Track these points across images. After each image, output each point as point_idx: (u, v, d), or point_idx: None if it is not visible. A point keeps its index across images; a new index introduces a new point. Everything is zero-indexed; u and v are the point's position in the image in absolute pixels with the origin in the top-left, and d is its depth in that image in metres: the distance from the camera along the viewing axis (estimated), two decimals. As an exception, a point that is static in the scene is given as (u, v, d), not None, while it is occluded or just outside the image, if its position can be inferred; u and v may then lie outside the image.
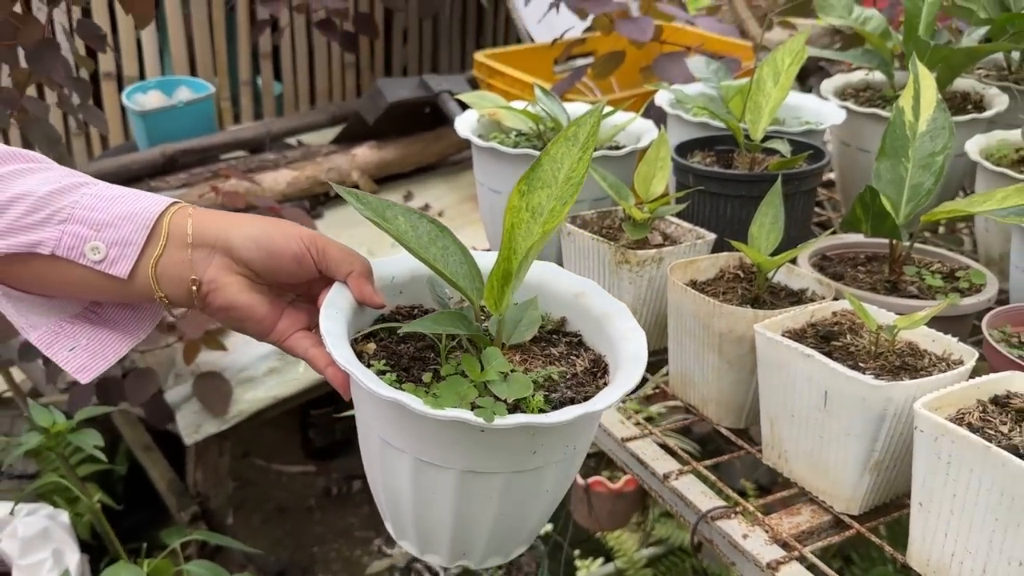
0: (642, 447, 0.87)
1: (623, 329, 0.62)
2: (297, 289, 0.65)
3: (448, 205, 2.22)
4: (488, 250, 0.86)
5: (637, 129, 1.17)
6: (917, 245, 0.96)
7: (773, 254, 0.87)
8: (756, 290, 0.89)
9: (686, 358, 0.90)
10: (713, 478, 0.83)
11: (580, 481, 1.62)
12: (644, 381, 1.01)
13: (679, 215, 1.04)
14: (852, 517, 0.75)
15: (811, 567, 0.70)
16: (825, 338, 0.79)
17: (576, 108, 1.23)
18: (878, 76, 1.40)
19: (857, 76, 1.43)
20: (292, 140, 2.49)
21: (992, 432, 0.65)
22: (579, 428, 0.58)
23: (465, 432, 0.53)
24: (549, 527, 1.82)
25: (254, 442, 2.38)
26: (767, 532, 0.74)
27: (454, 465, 0.55)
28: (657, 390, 1.00)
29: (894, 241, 0.92)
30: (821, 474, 0.76)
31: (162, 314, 0.65)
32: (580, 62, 2.27)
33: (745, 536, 0.74)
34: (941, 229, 1.44)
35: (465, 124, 1.15)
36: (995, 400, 0.69)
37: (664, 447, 0.88)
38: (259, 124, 2.46)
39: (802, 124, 1.23)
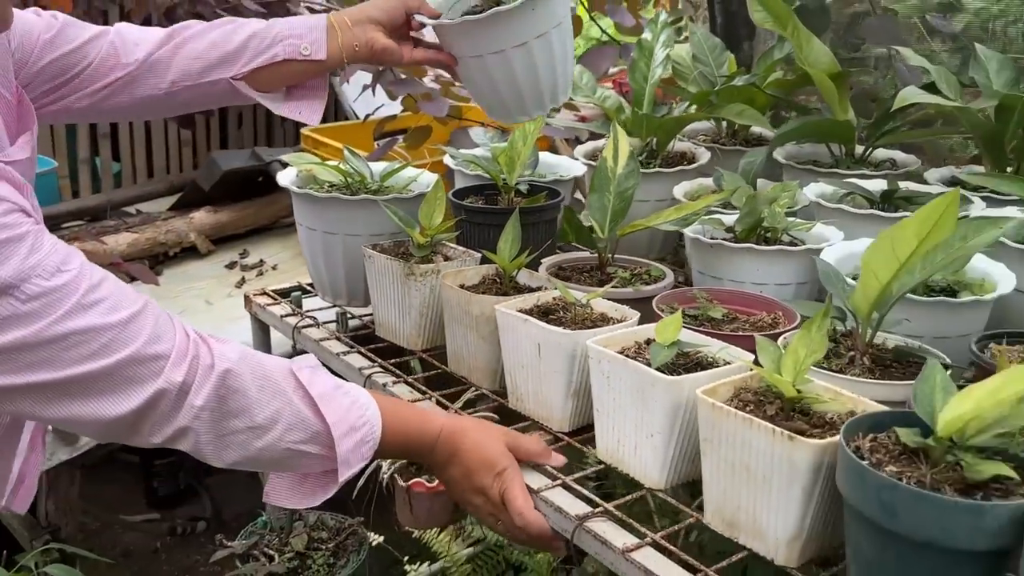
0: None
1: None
2: (403, 31, 1.12)
3: (282, 260, 2.47)
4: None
5: (427, 180, 1.49)
6: (620, 255, 1.32)
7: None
8: (504, 287, 1.21)
9: (456, 340, 1.20)
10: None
11: (401, 483, 1.87)
12: (433, 367, 1.29)
13: (457, 241, 1.36)
14: (565, 433, 1.06)
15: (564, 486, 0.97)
16: (544, 312, 1.11)
17: (378, 166, 1.54)
18: (617, 140, 1.80)
19: (603, 141, 1.82)
20: (131, 208, 2.66)
21: (638, 358, 0.98)
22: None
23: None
24: (381, 539, 2.04)
25: (97, 495, 2.46)
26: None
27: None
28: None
29: (601, 251, 1.27)
30: (542, 405, 1.08)
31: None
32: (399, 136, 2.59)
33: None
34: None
35: (286, 177, 1.43)
36: (648, 340, 1.02)
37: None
38: (100, 195, 2.62)
39: (554, 175, 1.60)
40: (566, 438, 1.06)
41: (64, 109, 1.04)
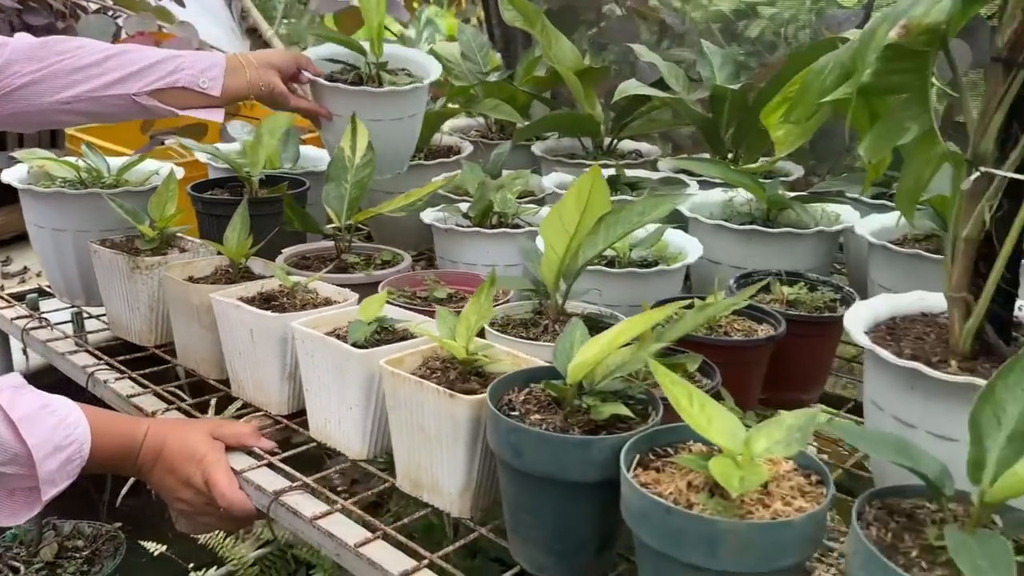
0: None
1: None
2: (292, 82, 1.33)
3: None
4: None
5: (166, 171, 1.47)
6: (359, 242, 1.35)
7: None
8: (234, 276, 1.21)
9: (182, 332, 1.20)
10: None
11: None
12: (172, 366, 1.28)
13: (199, 235, 1.35)
14: (284, 417, 1.08)
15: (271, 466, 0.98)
16: (267, 299, 1.13)
17: (118, 161, 1.50)
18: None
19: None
20: None
21: (342, 337, 1.01)
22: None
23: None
24: (163, 548, 1.98)
25: None
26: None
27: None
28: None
29: (339, 239, 1.30)
30: (261, 390, 1.09)
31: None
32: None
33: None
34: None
35: (12, 174, 1.37)
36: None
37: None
38: None
39: (300, 168, 1.61)
40: (285, 421, 1.08)
41: None
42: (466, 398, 0.82)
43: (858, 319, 0.88)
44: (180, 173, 1.42)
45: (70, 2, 2.35)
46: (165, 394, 1.15)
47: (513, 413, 0.79)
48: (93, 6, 2.51)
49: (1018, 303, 0.92)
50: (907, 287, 0.97)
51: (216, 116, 1.26)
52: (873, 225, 1.25)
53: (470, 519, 0.87)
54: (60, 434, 0.88)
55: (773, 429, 0.68)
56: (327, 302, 1.13)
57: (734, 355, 0.99)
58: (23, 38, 1.17)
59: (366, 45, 1.46)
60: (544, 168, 1.76)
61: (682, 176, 1.52)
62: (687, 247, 1.25)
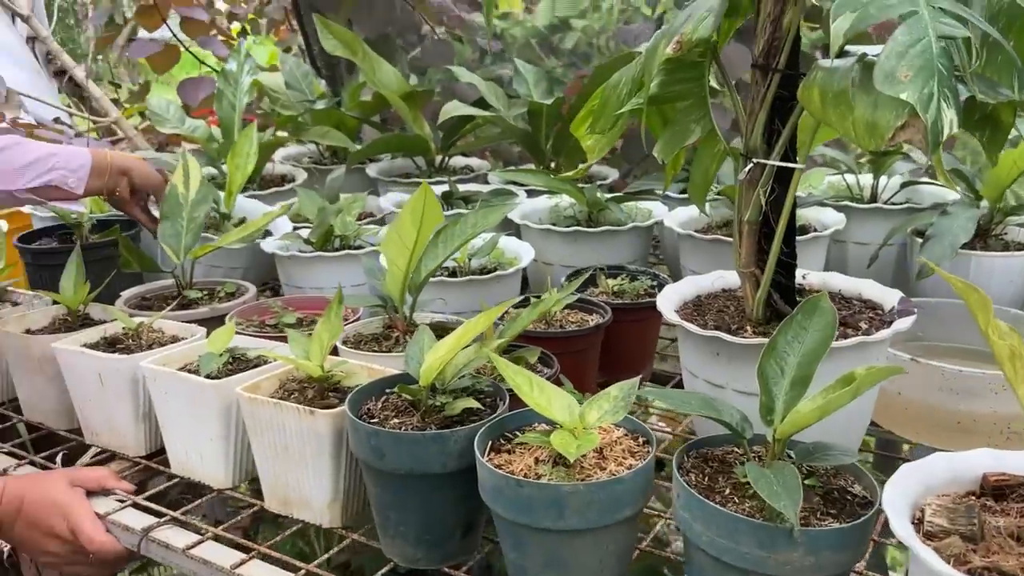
0: None
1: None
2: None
3: None
4: None
5: (-9, 228, 1.42)
6: (199, 279, 1.36)
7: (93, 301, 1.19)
8: (73, 323, 1.19)
9: (25, 387, 1.17)
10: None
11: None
12: (16, 422, 1.24)
13: (31, 286, 1.31)
14: (143, 457, 1.08)
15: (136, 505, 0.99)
16: (112, 343, 1.12)
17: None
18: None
19: (209, 170, 1.83)
20: None
21: (195, 372, 1.03)
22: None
23: None
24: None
25: None
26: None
27: None
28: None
29: (179, 276, 1.30)
30: (116, 434, 1.09)
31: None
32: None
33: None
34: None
35: None
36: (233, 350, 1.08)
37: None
38: None
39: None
40: (144, 461, 1.08)
41: None
42: (326, 412, 0.86)
43: (668, 300, 1.00)
44: (4, 226, 1.37)
45: None
46: (15, 450, 1.12)
47: (373, 420, 0.85)
48: None
49: (800, 272, 1.07)
50: (713, 269, 1.10)
51: (75, 206, 1.40)
52: (681, 217, 1.40)
53: (341, 528, 0.92)
54: None
55: (602, 401, 0.78)
56: (174, 339, 1.13)
57: (568, 344, 1.09)
58: None
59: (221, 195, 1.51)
60: (380, 189, 1.82)
61: (511, 187, 1.62)
62: (521, 252, 1.34)
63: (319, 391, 0.94)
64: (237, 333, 1.09)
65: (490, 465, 0.74)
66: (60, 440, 1.15)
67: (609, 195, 1.48)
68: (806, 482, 0.69)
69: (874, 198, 1.48)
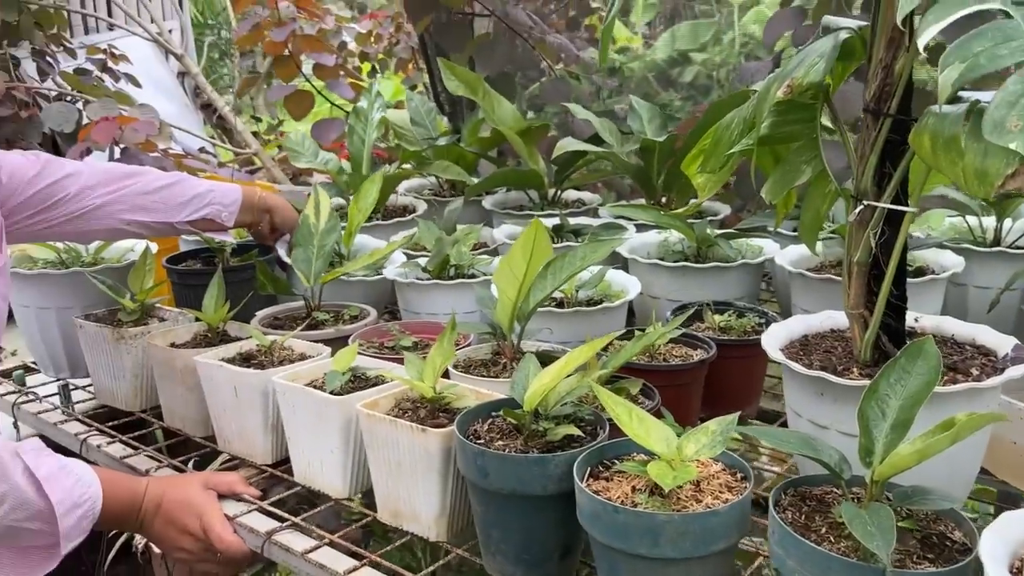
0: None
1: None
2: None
3: (22, 346, 2.40)
4: None
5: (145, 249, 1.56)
6: (327, 302, 1.45)
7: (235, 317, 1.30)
8: (212, 339, 1.31)
9: (167, 395, 1.28)
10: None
11: (157, 550, 1.87)
12: (157, 428, 1.36)
13: (176, 304, 1.44)
14: (269, 466, 1.17)
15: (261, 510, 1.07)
16: (246, 358, 1.22)
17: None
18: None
19: (338, 200, 1.96)
20: None
21: (320, 388, 1.11)
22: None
23: None
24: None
25: None
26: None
27: None
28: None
29: (308, 299, 1.40)
30: (246, 443, 1.18)
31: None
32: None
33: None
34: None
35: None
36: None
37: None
38: None
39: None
40: (270, 469, 1.17)
41: (47, 230, 1.27)
42: (437, 431, 0.92)
43: (774, 339, 1.01)
44: (154, 248, 1.51)
45: (32, 91, 2.44)
46: (155, 453, 1.23)
47: (479, 441, 0.90)
48: (53, 93, 2.60)
49: (912, 316, 1.06)
50: (823, 309, 1.10)
51: (224, 236, 1.47)
52: (792, 255, 1.39)
53: (447, 542, 0.97)
54: (77, 492, 0.96)
55: (700, 435, 0.80)
56: (302, 357, 1.22)
57: (671, 378, 1.11)
58: (93, 164, 1.34)
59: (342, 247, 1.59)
60: (495, 221, 1.89)
61: (621, 221, 1.66)
62: (628, 285, 1.37)
63: (430, 411, 1.00)
64: (359, 354, 1.16)
65: (588, 490, 0.77)
66: (194, 446, 1.26)
67: (719, 231, 1.50)
68: (902, 524, 0.69)
69: (997, 241, 1.43)
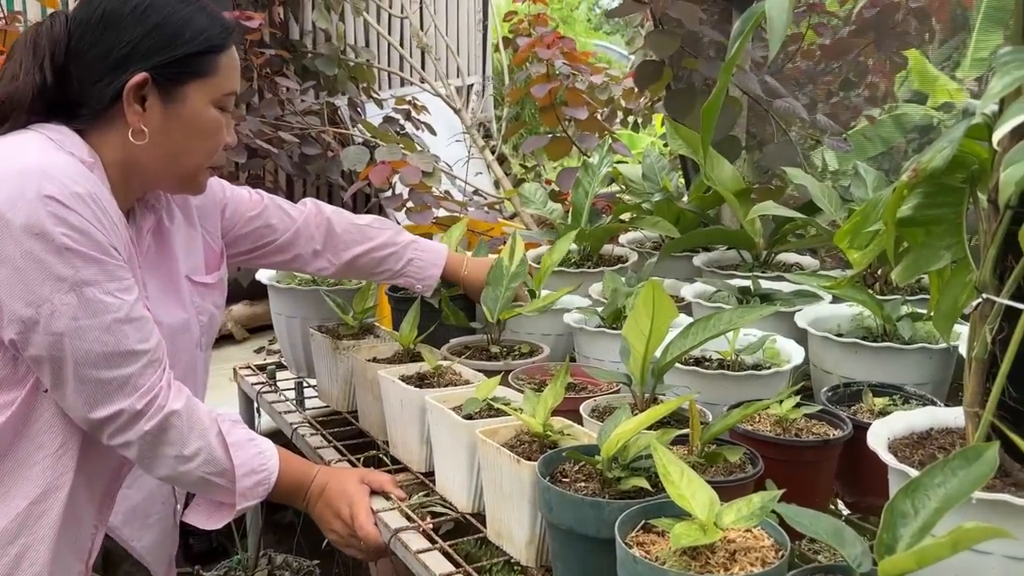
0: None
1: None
2: None
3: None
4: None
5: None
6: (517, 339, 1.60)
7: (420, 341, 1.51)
8: (405, 358, 1.51)
9: (362, 401, 1.51)
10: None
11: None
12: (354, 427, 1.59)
13: (394, 325, 1.69)
14: (423, 473, 1.34)
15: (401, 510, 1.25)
16: (422, 378, 1.41)
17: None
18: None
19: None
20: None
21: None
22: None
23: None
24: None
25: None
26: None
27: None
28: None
29: (490, 332, 1.56)
30: (407, 450, 1.36)
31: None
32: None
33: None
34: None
35: (265, 275, 1.80)
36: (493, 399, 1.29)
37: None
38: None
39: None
40: (422, 477, 1.34)
41: (259, 263, 1.50)
42: (529, 463, 1.02)
43: (888, 429, 0.97)
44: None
45: (338, 135, 2.93)
46: (343, 448, 1.46)
47: (564, 479, 0.98)
48: (358, 138, 3.08)
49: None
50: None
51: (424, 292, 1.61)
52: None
53: (535, 567, 1.06)
54: (256, 461, 1.20)
55: (743, 505, 0.82)
56: (467, 383, 1.38)
57: (791, 453, 1.10)
58: (318, 215, 1.52)
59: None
60: (705, 279, 1.92)
61: (817, 290, 1.62)
62: (793, 354, 1.36)
63: (541, 446, 1.10)
64: (515, 388, 1.29)
65: (622, 541, 0.83)
66: (375, 446, 1.47)
67: (910, 311, 1.41)
68: (902, 630, 0.66)
69: None
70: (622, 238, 2.25)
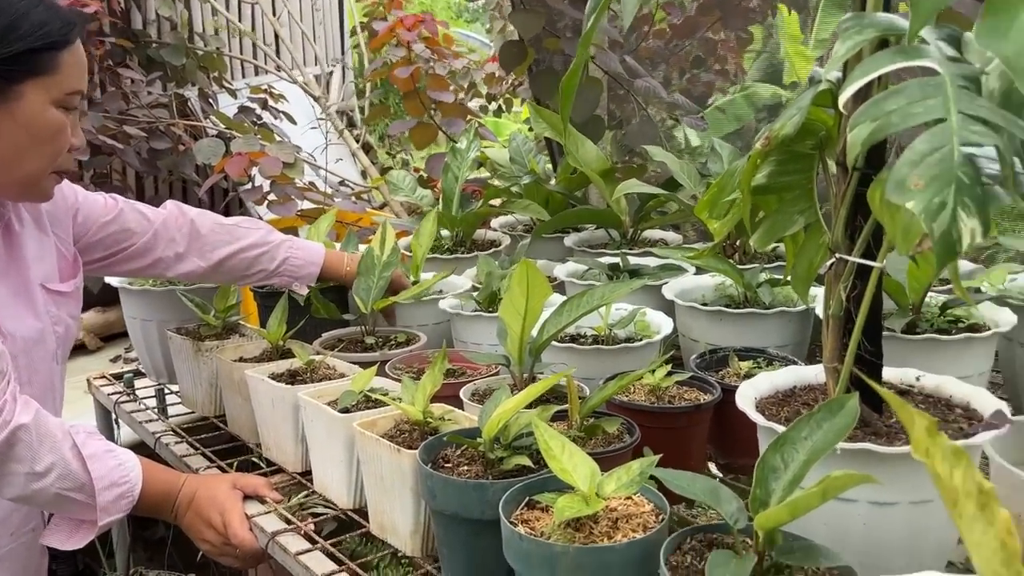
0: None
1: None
2: None
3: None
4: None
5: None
6: (384, 327, 1.57)
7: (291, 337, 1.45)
8: (274, 356, 1.45)
9: (230, 403, 1.44)
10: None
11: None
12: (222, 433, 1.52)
13: (262, 324, 1.61)
14: (299, 473, 1.29)
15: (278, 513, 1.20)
16: (293, 375, 1.35)
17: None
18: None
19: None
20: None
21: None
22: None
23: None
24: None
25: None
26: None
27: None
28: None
29: (364, 323, 1.52)
30: (281, 451, 1.30)
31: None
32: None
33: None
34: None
35: (118, 278, 1.68)
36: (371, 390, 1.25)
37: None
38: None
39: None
40: (299, 477, 1.29)
41: (115, 270, 1.41)
42: (409, 452, 0.99)
43: (754, 390, 1.01)
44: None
45: (189, 128, 2.78)
46: (211, 454, 1.39)
47: (447, 465, 0.97)
48: (212, 131, 2.94)
49: (915, 374, 1.02)
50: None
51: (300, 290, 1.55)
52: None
53: (421, 558, 1.04)
54: (117, 473, 1.12)
55: (623, 473, 0.83)
56: (342, 376, 1.34)
57: (665, 420, 1.12)
58: (178, 216, 1.44)
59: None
60: (576, 258, 1.94)
61: (682, 263, 1.67)
62: (663, 326, 1.39)
63: (422, 433, 1.08)
64: (393, 379, 1.26)
65: (503, 516, 0.82)
66: (248, 450, 1.40)
67: (768, 278, 1.48)
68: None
69: (1075, 300, 1.32)
70: (494, 222, 2.25)
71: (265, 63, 3.91)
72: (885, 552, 0.84)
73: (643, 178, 2.15)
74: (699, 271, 1.63)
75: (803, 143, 1.01)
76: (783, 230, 1.03)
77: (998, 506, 0.53)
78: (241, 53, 3.87)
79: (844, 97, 0.74)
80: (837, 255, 0.92)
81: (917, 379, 1.01)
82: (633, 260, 1.72)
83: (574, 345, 1.31)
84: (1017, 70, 0.68)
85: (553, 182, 2.14)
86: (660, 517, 0.82)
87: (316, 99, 2.89)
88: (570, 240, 1.99)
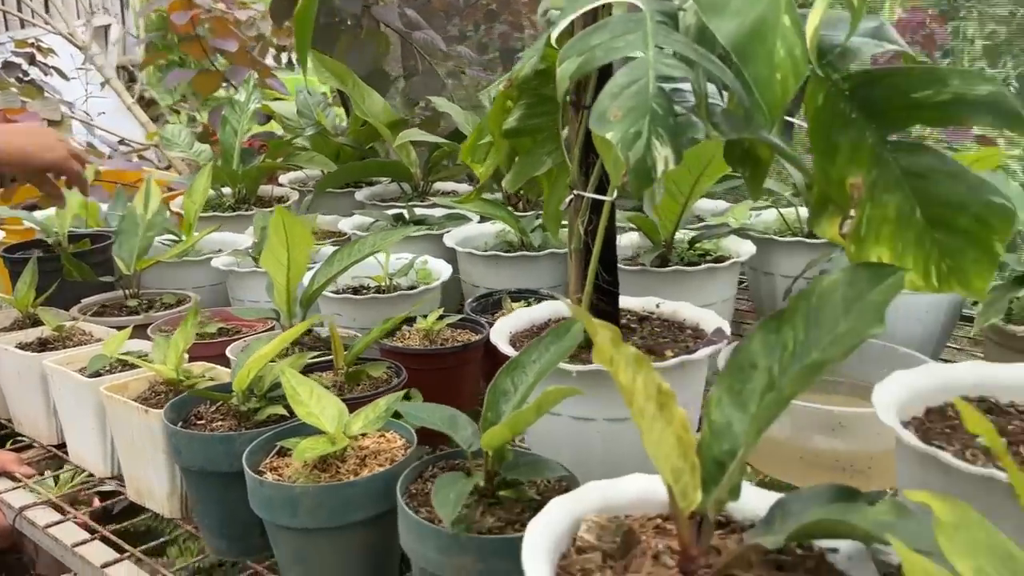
0: None
1: None
2: None
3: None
4: None
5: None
6: (150, 289, 1.49)
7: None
8: (25, 324, 1.34)
9: None
10: None
11: None
12: None
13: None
14: (55, 446, 1.21)
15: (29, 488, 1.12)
16: (44, 343, 1.26)
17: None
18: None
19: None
20: None
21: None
22: None
23: None
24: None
25: None
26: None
27: None
28: None
29: (126, 286, 1.44)
30: (33, 425, 1.22)
31: None
32: None
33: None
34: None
35: None
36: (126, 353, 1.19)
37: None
38: None
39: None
40: (54, 450, 1.21)
41: None
42: (156, 411, 0.95)
43: (507, 329, 1.04)
44: (1, 235, 1.55)
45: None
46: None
47: (200, 422, 0.93)
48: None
49: (655, 301, 1.09)
50: (636, 294, 1.12)
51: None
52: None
53: (180, 519, 1.00)
54: None
55: (369, 411, 0.83)
56: (99, 342, 1.26)
57: (432, 361, 1.14)
58: None
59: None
60: (364, 211, 1.92)
61: (465, 211, 1.69)
62: (443, 272, 1.40)
63: (177, 394, 1.03)
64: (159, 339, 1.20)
65: (247, 466, 0.81)
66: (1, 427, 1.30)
67: (540, 222, 1.52)
68: (504, 493, 0.72)
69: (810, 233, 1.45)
70: (283, 178, 2.18)
71: (32, 17, 3.56)
72: (623, 464, 0.90)
73: (438, 132, 2.15)
74: (482, 219, 1.66)
75: (548, 86, 1.04)
76: (532, 171, 1.06)
77: (676, 405, 0.58)
78: (3, 4, 3.50)
79: (555, 33, 0.77)
80: (575, 191, 0.96)
81: (657, 306, 1.08)
82: (420, 211, 1.72)
83: (351, 296, 1.30)
84: (704, 6, 0.73)
85: (345, 136, 2.10)
86: (408, 450, 0.84)
87: (80, 48, 2.66)
88: (361, 195, 1.96)
